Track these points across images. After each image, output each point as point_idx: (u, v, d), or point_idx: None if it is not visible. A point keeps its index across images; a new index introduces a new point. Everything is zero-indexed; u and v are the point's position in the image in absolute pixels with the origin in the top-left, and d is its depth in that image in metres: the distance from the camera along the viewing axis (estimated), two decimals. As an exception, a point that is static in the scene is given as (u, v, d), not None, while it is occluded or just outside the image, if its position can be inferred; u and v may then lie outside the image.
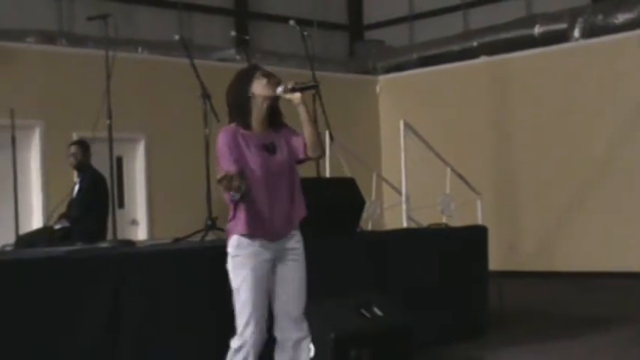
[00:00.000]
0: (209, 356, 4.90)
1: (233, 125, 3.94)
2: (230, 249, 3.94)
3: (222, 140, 3.89)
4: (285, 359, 4.00)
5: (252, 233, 3.88)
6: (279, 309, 3.98)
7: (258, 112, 3.92)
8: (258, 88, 3.91)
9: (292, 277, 3.97)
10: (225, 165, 3.81)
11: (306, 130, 3.92)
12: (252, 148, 3.87)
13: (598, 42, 11.49)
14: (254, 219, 3.86)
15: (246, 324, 3.86)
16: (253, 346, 3.87)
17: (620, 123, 11.16)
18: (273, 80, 3.93)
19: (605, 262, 11.01)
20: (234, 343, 3.90)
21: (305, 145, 3.95)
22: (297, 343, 3.99)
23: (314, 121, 3.93)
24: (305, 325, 4.00)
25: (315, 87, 3.93)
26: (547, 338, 6.73)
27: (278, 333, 4.00)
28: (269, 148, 3.92)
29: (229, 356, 3.92)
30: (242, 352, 3.87)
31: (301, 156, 3.99)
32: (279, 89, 3.90)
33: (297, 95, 3.89)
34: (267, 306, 3.94)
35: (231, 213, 3.92)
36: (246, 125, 3.91)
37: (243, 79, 3.96)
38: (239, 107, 3.94)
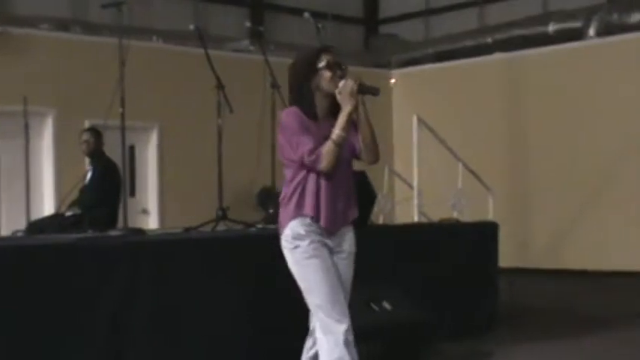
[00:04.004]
0: (218, 343, 4.91)
1: (296, 109, 3.69)
2: (286, 242, 3.69)
3: (292, 119, 3.64)
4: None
5: (317, 216, 3.62)
6: None
7: (320, 103, 3.71)
8: (323, 82, 3.69)
9: (344, 278, 3.73)
10: (303, 141, 3.58)
11: (364, 132, 3.69)
12: (315, 138, 3.62)
13: (613, 41, 11.43)
14: (318, 204, 3.62)
15: (333, 317, 3.56)
16: (348, 338, 3.55)
17: (633, 121, 11.09)
18: (338, 74, 3.68)
19: (617, 260, 10.97)
20: (329, 341, 3.55)
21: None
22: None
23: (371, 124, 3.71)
24: None
25: (376, 93, 3.69)
26: (556, 335, 6.71)
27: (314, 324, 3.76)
28: None
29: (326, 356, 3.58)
30: (340, 348, 3.54)
31: (356, 155, 3.78)
32: (341, 84, 3.65)
33: (358, 95, 3.64)
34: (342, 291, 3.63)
35: (288, 197, 3.65)
36: (310, 114, 3.69)
37: (307, 70, 3.71)
38: (302, 97, 3.71)
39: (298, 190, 3.66)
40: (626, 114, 11.17)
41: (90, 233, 5.97)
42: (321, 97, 3.71)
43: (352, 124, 3.72)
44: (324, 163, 3.57)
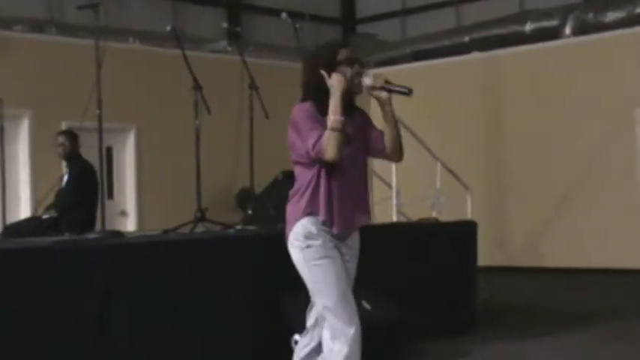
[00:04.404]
0: (196, 345, 4.89)
1: (309, 105, 3.60)
2: (296, 240, 3.58)
3: (304, 114, 3.55)
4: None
5: (330, 222, 3.55)
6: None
7: None
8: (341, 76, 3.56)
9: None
10: (310, 135, 3.49)
11: (391, 132, 3.63)
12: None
13: (588, 40, 11.52)
14: (331, 210, 3.55)
15: (342, 320, 3.51)
16: (357, 341, 3.52)
17: (609, 120, 11.19)
18: (358, 70, 3.59)
19: (593, 258, 11.05)
20: (336, 344, 3.50)
21: (384, 145, 3.67)
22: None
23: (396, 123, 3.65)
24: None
25: (408, 93, 3.62)
26: (535, 333, 6.75)
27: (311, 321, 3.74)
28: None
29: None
30: (346, 351, 3.50)
31: (378, 154, 3.72)
32: (367, 81, 3.58)
33: (384, 94, 3.59)
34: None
35: (301, 193, 3.56)
36: (325, 112, 3.54)
37: (326, 66, 3.58)
38: (319, 94, 3.58)
39: (311, 187, 3.57)
40: (602, 112, 11.25)
41: (67, 236, 5.93)
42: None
43: (370, 121, 3.71)
44: (328, 152, 3.46)
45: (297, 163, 3.63)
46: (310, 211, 3.57)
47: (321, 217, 3.56)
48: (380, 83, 3.61)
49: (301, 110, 3.59)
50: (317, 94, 3.60)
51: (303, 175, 3.61)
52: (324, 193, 3.56)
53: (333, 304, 3.53)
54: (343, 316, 3.53)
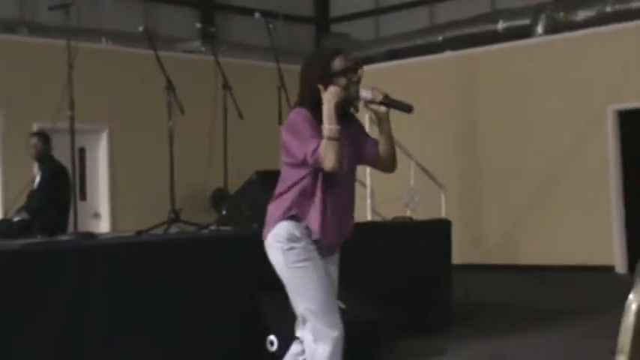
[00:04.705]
0: (171, 348, 4.87)
1: (306, 111, 3.53)
2: (278, 242, 3.51)
3: (303, 118, 3.49)
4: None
5: (323, 235, 3.51)
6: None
7: None
8: (338, 89, 3.53)
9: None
10: (311, 142, 3.43)
11: (385, 146, 3.63)
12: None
13: (560, 38, 11.62)
14: (325, 218, 3.51)
15: (326, 323, 3.48)
16: (340, 344, 3.50)
17: (582, 118, 11.28)
18: (355, 80, 3.57)
19: (567, 255, 11.14)
20: (319, 347, 3.47)
21: (378, 154, 3.66)
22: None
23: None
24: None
25: (408, 111, 3.60)
26: (509, 330, 6.78)
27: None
28: None
29: None
30: (328, 352, 3.47)
31: (371, 161, 3.70)
32: (365, 95, 3.55)
33: (383, 109, 3.56)
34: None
35: (287, 195, 3.51)
36: (320, 120, 3.47)
37: (322, 76, 3.53)
38: (314, 102, 3.52)
39: (297, 190, 3.51)
40: (575, 110, 11.35)
41: (39, 238, 5.88)
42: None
43: (362, 129, 3.69)
44: (326, 162, 3.41)
45: (288, 164, 3.58)
46: (293, 214, 3.52)
47: (314, 227, 3.51)
48: (379, 97, 3.57)
49: (301, 114, 3.54)
50: (313, 103, 3.55)
51: (290, 177, 3.56)
52: (319, 204, 3.51)
53: (317, 307, 3.50)
54: (326, 319, 3.50)
